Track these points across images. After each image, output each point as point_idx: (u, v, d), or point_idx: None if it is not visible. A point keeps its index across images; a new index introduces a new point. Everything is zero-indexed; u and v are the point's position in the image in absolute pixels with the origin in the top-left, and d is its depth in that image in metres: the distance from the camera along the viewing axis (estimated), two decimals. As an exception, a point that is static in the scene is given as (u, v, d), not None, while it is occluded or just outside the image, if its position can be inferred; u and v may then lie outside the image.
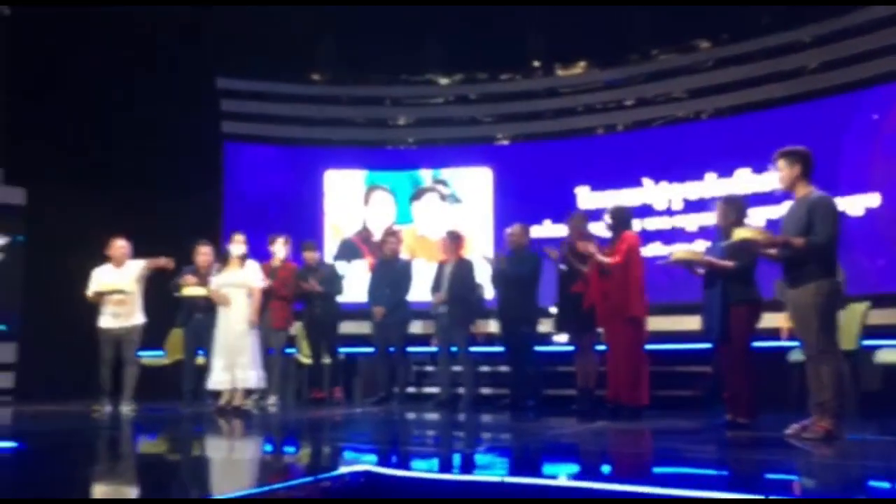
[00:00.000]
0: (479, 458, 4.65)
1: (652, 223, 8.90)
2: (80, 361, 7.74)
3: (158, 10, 8.93)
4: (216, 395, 7.27)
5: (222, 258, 7.32)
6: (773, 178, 8.05)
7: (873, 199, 7.71)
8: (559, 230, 8.48)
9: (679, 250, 6.02)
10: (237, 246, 7.25)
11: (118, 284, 7.31)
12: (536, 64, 9.99)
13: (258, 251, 7.82)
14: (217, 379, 7.05)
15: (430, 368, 8.56)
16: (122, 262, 7.43)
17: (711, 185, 8.63)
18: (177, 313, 7.80)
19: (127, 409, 7.19)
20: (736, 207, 5.72)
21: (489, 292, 8.19)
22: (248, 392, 7.10)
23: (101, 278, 7.36)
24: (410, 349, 8.10)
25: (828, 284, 4.79)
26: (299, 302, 8.12)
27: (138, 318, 7.40)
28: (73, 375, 8.05)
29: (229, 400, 7.04)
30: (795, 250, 4.83)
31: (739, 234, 5.08)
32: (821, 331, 4.77)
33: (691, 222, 8.72)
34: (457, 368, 7.80)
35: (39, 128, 8.88)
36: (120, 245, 7.43)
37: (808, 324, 4.82)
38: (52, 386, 8.26)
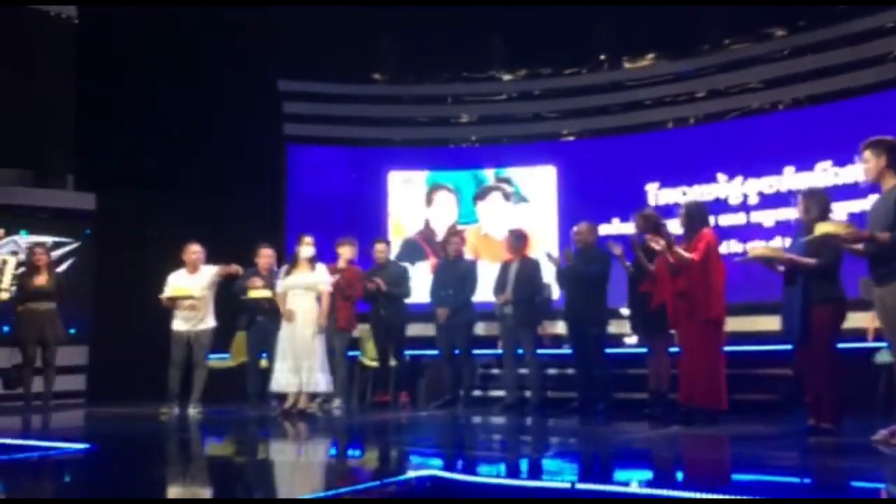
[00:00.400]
0: (548, 464, 4.49)
1: (727, 219, 8.56)
2: (149, 363, 7.82)
3: (220, 14, 9.00)
4: (281, 397, 7.23)
5: (291, 260, 7.25)
6: (857, 171, 7.74)
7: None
8: (627, 228, 8.22)
9: (757, 247, 5.75)
10: (306, 248, 7.16)
11: (191, 290, 7.36)
12: (602, 57, 9.74)
13: (322, 253, 7.78)
14: (283, 381, 6.98)
15: (495, 371, 8.39)
16: (196, 267, 7.48)
17: (790, 179, 8.24)
18: (240, 316, 7.81)
19: (194, 411, 7.23)
20: (818, 201, 5.42)
21: (556, 292, 7.98)
22: (313, 395, 7.03)
23: (175, 283, 7.43)
24: (476, 351, 7.94)
25: None
26: (365, 303, 8.04)
27: (209, 321, 7.45)
28: (142, 377, 8.14)
29: (295, 403, 6.99)
30: (880, 246, 4.57)
31: (821, 228, 4.82)
32: None
33: (769, 218, 8.35)
34: (523, 371, 7.63)
35: (107, 134, 9.03)
36: (194, 250, 7.49)
37: (893, 324, 4.60)
38: (121, 388, 8.38)
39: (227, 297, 7.77)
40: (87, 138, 9.17)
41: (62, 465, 4.56)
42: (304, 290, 7.05)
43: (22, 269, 7.81)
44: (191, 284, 7.41)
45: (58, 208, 9.03)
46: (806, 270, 5.20)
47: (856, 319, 6.57)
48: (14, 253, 8.21)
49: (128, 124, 9.13)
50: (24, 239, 8.63)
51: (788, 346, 5.88)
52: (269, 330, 7.56)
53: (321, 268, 7.26)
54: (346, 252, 7.77)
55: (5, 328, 7.95)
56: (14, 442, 5.11)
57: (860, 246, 4.71)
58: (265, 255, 7.78)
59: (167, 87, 9.28)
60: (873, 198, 4.94)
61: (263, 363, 7.82)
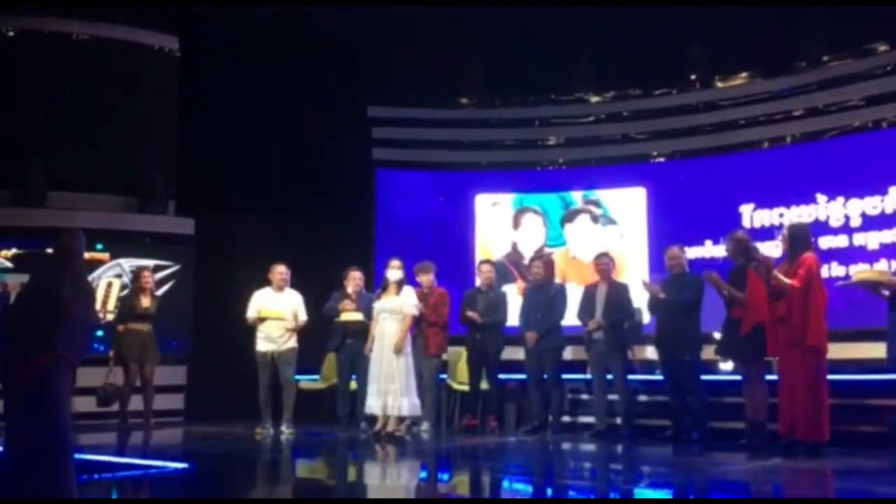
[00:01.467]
0: (640, 494, 4.37)
1: (827, 241, 8.20)
2: (244, 383, 8.02)
3: (312, 41, 9.25)
4: (372, 420, 7.29)
5: (381, 284, 7.33)
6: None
7: None
8: (719, 251, 7.98)
9: (862, 270, 5.49)
10: (394, 272, 7.21)
11: (282, 312, 7.51)
12: (693, 77, 9.55)
13: (411, 277, 7.84)
14: (371, 403, 7.05)
15: (585, 396, 8.25)
16: (282, 288, 7.64)
17: (895, 200, 7.87)
18: (330, 338, 7.93)
19: (287, 431, 7.36)
20: None
21: (646, 317, 7.81)
22: (401, 419, 7.06)
23: (261, 302, 7.59)
24: (564, 376, 7.84)
25: None
26: (461, 326, 8.04)
27: (292, 342, 7.58)
28: (238, 397, 8.35)
29: (384, 426, 7.04)
30: None
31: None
32: None
33: (872, 240, 7.96)
34: (613, 397, 7.48)
35: (206, 162, 9.37)
36: (280, 271, 7.65)
37: None
38: (217, 407, 8.60)
39: (318, 319, 7.91)
40: (188, 166, 9.53)
41: (161, 484, 4.70)
42: (392, 313, 7.12)
43: (125, 292, 8.15)
44: (277, 306, 7.56)
45: (159, 233, 9.39)
46: None
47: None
48: (118, 276, 8.58)
49: (225, 152, 9.45)
50: (127, 262, 9.01)
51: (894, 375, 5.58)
52: (359, 352, 7.65)
53: (408, 290, 7.29)
54: (425, 279, 7.80)
55: (101, 347, 8.28)
56: (115, 460, 5.31)
57: (886, 293, 4.75)
58: (354, 278, 7.88)
59: (262, 115, 9.58)
60: None
61: (353, 385, 7.91)
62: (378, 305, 7.15)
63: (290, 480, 5.15)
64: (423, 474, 5.43)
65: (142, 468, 5.03)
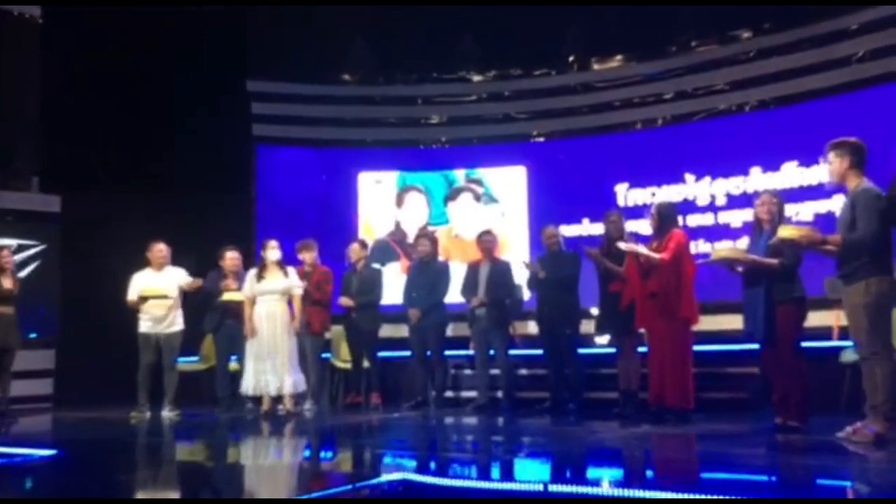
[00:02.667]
0: (520, 465, 4.50)
1: (695, 220, 8.65)
2: (117, 367, 7.73)
3: (188, 13, 8.91)
4: (255, 400, 7.22)
5: (259, 265, 7.23)
6: (822, 171, 7.86)
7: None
8: (597, 229, 8.27)
9: (721, 248, 5.81)
10: (273, 251, 7.19)
11: (162, 289, 7.29)
12: (571, 59, 9.79)
13: (292, 255, 7.75)
14: (250, 384, 6.99)
15: (468, 372, 8.40)
16: (162, 267, 7.42)
17: (757, 180, 8.35)
18: (208, 318, 7.74)
19: (171, 414, 7.20)
20: (779, 203, 5.51)
21: (526, 293, 8.01)
22: (292, 397, 7.05)
23: (141, 283, 7.34)
24: (447, 352, 7.95)
25: (877, 283, 4.59)
26: (340, 306, 8.02)
27: (178, 323, 7.40)
28: (111, 381, 8.04)
29: (271, 405, 6.98)
30: (839, 248, 4.65)
31: (783, 232, 4.89)
32: (871, 331, 4.60)
33: (736, 218, 8.44)
34: (495, 372, 7.65)
35: (73, 135, 8.89)
36: (160, 249, 7.43)
37: (858, 323, 4.65)
38: (90, 392, 8.27)
39: (195, 299, 7.70)
40: (52, 140, 9.02)
41: (27, 472, 4.49)
42: (277, 294, 7.07)
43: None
44: (158, 284, 7.34)
45: (22, 210, 8.88)
46: (770, 271, 5.27)
47: (821, 318, 6.70)
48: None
49: (94, 125, 9.00)
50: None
51: (755, 346, 5.96)
52: (239, 332, 7.53)
53: (292, 271, 7.29)
54: (308, 256, 7.75)
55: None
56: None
57: (831, 247, 4.74)
58: (231, 258, 7.71)
59: (134, 87, 9.18)
60: (839, 199, 5.01)
61: (233, 366, 7.77)
62: (260, 286, 7.07)
63: (170, 463, 5.02)
64: (307, 453, 5.40)
65: (5, 456, 4.77)
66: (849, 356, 6.13)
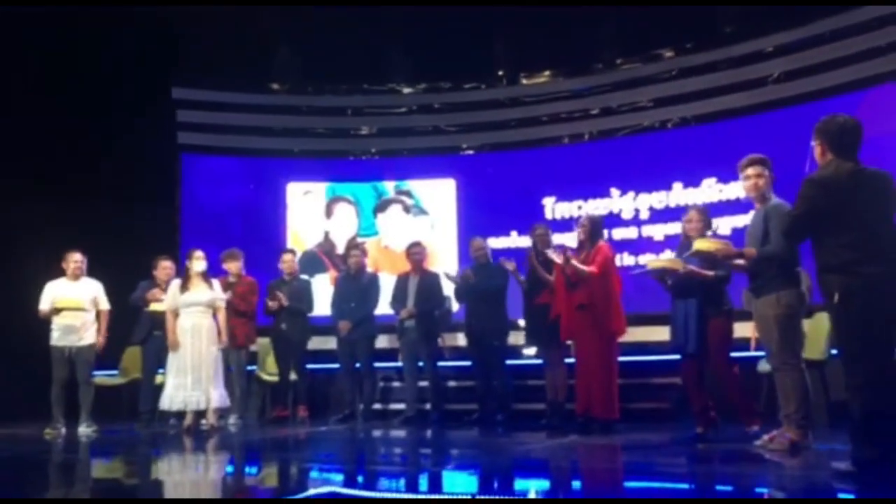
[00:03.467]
0: (448, 477, 4.51)
1: (619, 233, 8.84)
2: (29, 381, 7.44)
3: (113, 19, 8.67)
4: (178, 415, 7.03)
5: (184, 276, 7.06)
6: (740, 187, 8.12)
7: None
8: (525, 241, 8.37)
9: (657, 259, 5.90)
10: (198, 262, 7.02)
11: (76, 300, 7.04)
12: (501, 73, 9.91)
13: (219, 265, 7.62)
14: (181, 399, 6.81)
15: (396, 384, 8.38)
16: (77, 277, 7.17)
17: (678, 195, 8.59)
18: (135, 330, 7.53)
19: (88, 430, 6.96)
20: (705, 219, 5.67)
21: (455, 305, 8.05)
22: (218, 411, 6.90)
23: (55, 293, 7.08)
24: (376, 364, 7.91)
25: (787, 296, 4.72)
26: (266, 317, 7.90)
27: (91, 336, 7.15)
28: (23, 396, 7.73)
29: (195, 420, 6.81)
30: (753, 261, 4.78)
31: (699, 245, 5.00)
32: (781, 342, 4.73)
33: (658, 232, 8.67)
34: (424, 383, 7.65)
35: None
36: (75, 259, 7.18)
37: (770, 335, 4.78)
38: (1, 408, 7.91)
39: (120, 310, 7.49)
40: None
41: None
42: (203, 306, 6.92)
43: None
44: (74, 295, 7.09)
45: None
46: (704, 283, 5.39)
47: (740, 329, 6.92)
48: None
49: (10, 132, 8.65)
50: None
51: (677, 357, 6.08)
52: (166, 345, 7.35)
53: (216, 283, 7.17)
54: (233, 267, 7.62)
55: None
56: None
57: (742, 261, 4.86)
58: (165, 268, 7.54)
59: (55, 93, 8.87)
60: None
61: (160, 379, 7.58)
62: (185, 298, 6.91)
63: (86, 482, 4.85)
64: (232, 468, 5.29)
65: None
66: (765, 366, 6.33)
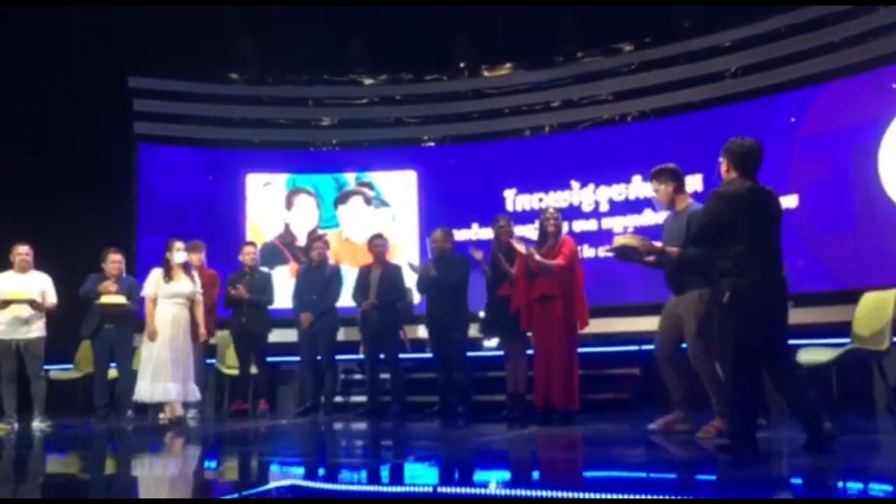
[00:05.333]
0: (409, 468, 4.52)
1: (579, 225, 8.91)
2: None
3: (68, 8, 8.48)
4: (139, 408, 6.94)
5: (165, 266, 6.92)
6: (696, 181, 8.26)
7: (791, 201, 7.88)
8: (486, 233, 8.40)
9: (622, 236, 5.91)
10: (179, 254, 6.93)
11: (24, 293, 6.89)
12: (462, 65, 9.91)
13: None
14: (160, 390, 6.69)
15: (357, 376, 8.36)
16: (25, 270, 7.03)
17: (637, 187, 8.68)
18: (84, 323, 7.40)
19: (42, 425, 6.82)
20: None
21: (416, 297, 8.04)
22: (185, 404, 6.82)
23: (2, 285, 6.93)
24: (338, 357, 7.88)
25: (708, 293, 4.90)
26: (226, 309, 7.81)
27: (40, 329, 7.00)
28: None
29: (172, 413, 6.71)
30: (673, 260, 5.07)
31: (620, 240, 5.24)
32: (699, 336, 5.04)
33: (618, 224, 8.75)
34: (385, 376, 7.64)
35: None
36: (23, 251, 7.03)
37: (690, 329, 5.09)
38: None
39: (72, 303, 7.35)
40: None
41: None
42: (184, 298, 6.85)
43: None
44: (21, 287, 6.95)
45: None
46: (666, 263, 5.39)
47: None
48: None
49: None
50: None
51: (633, 347, 6.13)
52: (118, 338, 7.27)
53: (196, 275, 7.08)
54: (195, 258, 7.53)
55: None
56: None
57: (651, 258, 5.17)
58: (114, 261, 7.41)
59: (7, 79, 8.65)
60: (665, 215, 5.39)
61: (112, 373, 7.47)
62: (168, 288, 6.81)
63: (41, 477, 4.76)
64: (192, 462, 5.24)
65: None
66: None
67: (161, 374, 6.69)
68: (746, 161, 4.22)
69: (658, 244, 5.13)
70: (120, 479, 4.49)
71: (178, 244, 6.96)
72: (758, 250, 4.09)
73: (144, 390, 6.72)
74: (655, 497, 3.14)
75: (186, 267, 7.00)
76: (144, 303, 6.96)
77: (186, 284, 6.93)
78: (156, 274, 6.94)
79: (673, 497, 3.24)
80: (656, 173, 5.38)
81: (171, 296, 6.85)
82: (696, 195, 8.12)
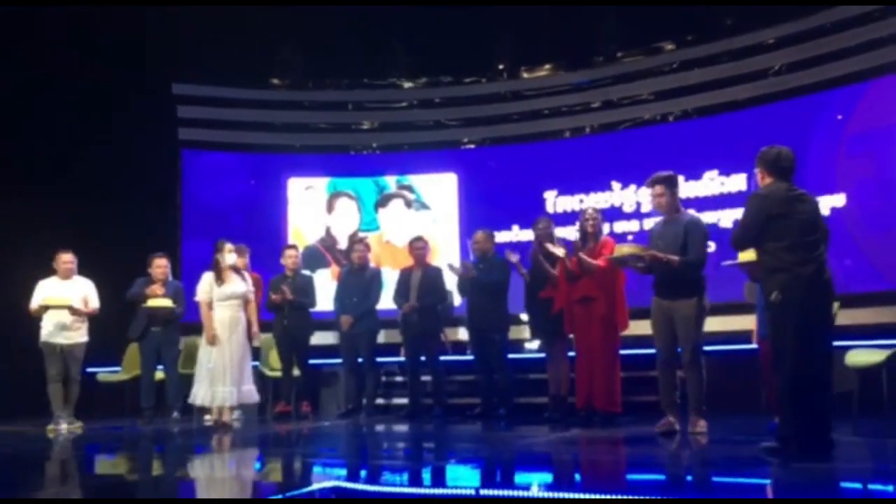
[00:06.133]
0: (451, 471, 4.51)
1: (621, 226, 8.83)
2: (31, 379, 7.41)
3: (113, 15, 8.65)
4: (185, 410, 7.03)
5: (216, 269, 6.97)
6: (741, 180, 8.14)
7: (839, 200, 7.73)
8: (527, 235, 8.37)
9: (621, 246, 5.90)
10: (231, 255, 6.96)
11: (65, 299, 7.04)
12: (501, 67, 9.90)
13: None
14: (220, 394, 6.74)
15: (399, 379, 8.38)
16: (68, 276, 7.18)
17: (680, 188, 8.53)
18: (132, 326, 7.54)
19: (71, 426, 6.93)
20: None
21: (457, 299, 8.05)
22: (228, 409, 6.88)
23: (46, 291, 7.09)
24: (379, 359, 7.91)
25: (703, 298, 5.39)
26: (269, 312, 7.89)
27: (82, 334, 7.14)
28: (18, 393, 7.73)
29: (219, 417, 6.80)
30: (674, 267, 5.29)
31: (622, 249, 5.52)
32: (696, 340, 5.35)
33: (660, 225, 8.64)
34: (426, 378, 7.65)
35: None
36: (66, 259, 7.18)
37: (688, 333, 5.33)
38: (1, 405, 7.92)
39: (120, 307, 7.50)
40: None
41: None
42: (237, 299, 6.91)
43: None
44: (64, 293, 7.10)
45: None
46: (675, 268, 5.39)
47: (744, 322, 6.92)
48: None
49: (12, 129, 8.64)
50: None
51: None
52: (164, 341, 7.38)
53: (248, 276, 7.15)
54: (240, 262, 7.61)
55: None
56: None
57: (642, 265, 5.45)
58: (159, 266, 7.54)
59: (55, 89, 8.86)
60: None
61: (159, 375, 7.60)
62: (222, 290, 6.87)
63: (89, 478, 4.86)
64: (237, 463, 5.30)
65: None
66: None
67: (218, 379, 6.74)
68: (778, 165, 4.35)
69: (657, 252, 5.33)
70: (165, 480, 4.56)
71: (229, 245, 6.99)
72: (801, 247, 4.16)
73: (202, 394, 6.77)
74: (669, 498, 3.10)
75: (237, 268, 7.03)
76: (199, 307, 6.98)
77: (239, 285, 6.96)
78: (207, 277, 6.97)
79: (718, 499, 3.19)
80: (663, 180, 5.54)
81: (224, 298, 6.88)
82: (739, 195, 8.07)
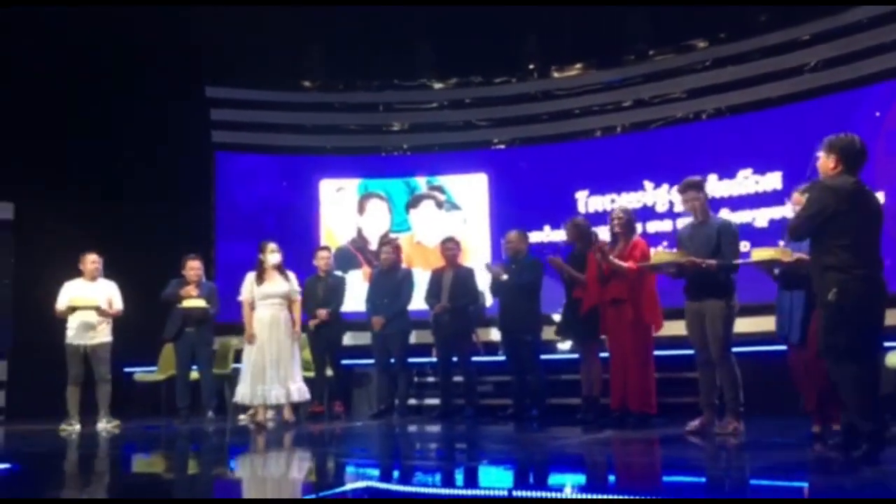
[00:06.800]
0: (483, 471, 4.51)
1: (653, 226, 8.75)
2: (51, 379, 7.53)
3: (146, 19, 8.77)
4: (218, 409, 7.10)
5: (258, 269, 7.04)
6: (776, 179, 8.03)
7: (878, 198, 7.58)
8: (558, 235, 8.33)
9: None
10: (273, 255, 7.01)
11: (91, 300, 7.15)
12: (531, 66, 9.87)
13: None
14: (260, 393, 6.79)
15: (431, 379, 8.39)
16: (94, 278, 7.29)
17: (713, 187, 8.45)
18: (167, 326, 7.63)
19: (109, 426, 7.05)
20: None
21: (489, 300, 8.03)
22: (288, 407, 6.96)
23: (71, 292, 7.21)
24: (410, 360, 7.92)
25: (732, 298, 5.51)
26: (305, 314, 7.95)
27: (106, 334, 7.24)
28: (44, 394, 7.85)
29: (255, 417, 6.85)
30: (707, 271, 5.39)
31: (660, 256, 5.60)
32: (726, 338, 5.46)
33: (693, 224, 8.55)
34: (458, 379, 7.65)
35: (27, 141, 8.69)
36: (92, 260, 7.30)
37: (717, 332, 5.42)
38: (41, 404, 8.05)
39: (155, 307, 7.59)
40: (3, 145, 8.81)
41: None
42: (280, 298, 6.95)
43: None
44: (90, 295, 7.20)
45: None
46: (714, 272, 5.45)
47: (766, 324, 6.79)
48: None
49: (48, 131, 8.81)
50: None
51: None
52: (199, 341, 7.46)
53: (292, 275, 7.19)
54: (271, 258, 7.66)
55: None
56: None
57: (673, 269, 5.58)
58: (192, 267, 7.63)
59: (91, 93, 9.01)
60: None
61: (193, 375, 7.68)
62: (262, 290, 6.93)
63: (126, 477, 4.93)
64: (270, 462, 5.34)
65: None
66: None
67: (259, 378, 6.79)
68: (857, 159, 4.23)
69: (696, 259, 5.39)
70: (200, 479, 4.61)
71: (272, 245, 7.04)
72: (860, 246, 4.07)
73: (244, 393, 6.83)
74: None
75: (280, 267, 7.07)
76: (241, 307, 7.05)
77: (280, 285, 6.99)
78: (249, 277, 7.03)
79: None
80: (694, 185, 5.67)
81: (265, 297, 6.93)
82: (774, 193, 7.97)
